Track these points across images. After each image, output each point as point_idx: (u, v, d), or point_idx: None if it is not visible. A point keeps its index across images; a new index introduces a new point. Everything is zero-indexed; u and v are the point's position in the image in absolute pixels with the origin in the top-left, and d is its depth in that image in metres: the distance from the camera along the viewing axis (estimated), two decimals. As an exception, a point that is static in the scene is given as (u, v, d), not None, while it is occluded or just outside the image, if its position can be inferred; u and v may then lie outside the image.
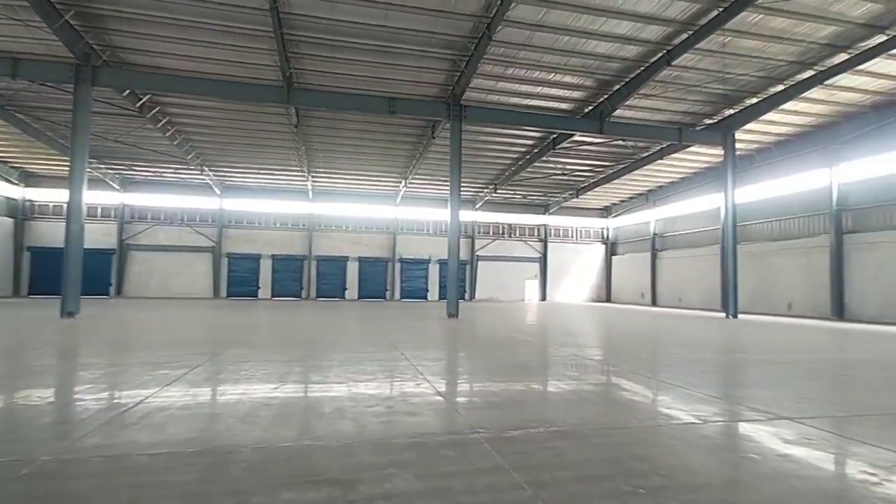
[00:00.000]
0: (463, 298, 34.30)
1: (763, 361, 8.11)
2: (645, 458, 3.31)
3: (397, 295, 34.54)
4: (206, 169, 28.19)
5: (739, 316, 20.41)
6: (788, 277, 23.14)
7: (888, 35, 14.22)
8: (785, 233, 23.69)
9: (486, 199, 34.21)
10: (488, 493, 2.73)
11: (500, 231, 37.28)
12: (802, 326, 16.43)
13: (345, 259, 34.00)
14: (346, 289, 33.71)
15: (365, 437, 3.62)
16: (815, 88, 17.08)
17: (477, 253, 36.37)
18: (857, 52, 15.14)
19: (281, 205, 33.50)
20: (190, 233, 32.30)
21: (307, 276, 33.32)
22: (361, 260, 34.18)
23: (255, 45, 15.26)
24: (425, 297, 35.00)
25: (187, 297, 31.34)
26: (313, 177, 29.88)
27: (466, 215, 34.95)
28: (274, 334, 11.36)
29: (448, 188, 19.20)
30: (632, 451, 3.43)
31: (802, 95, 17.69)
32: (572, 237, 39.00)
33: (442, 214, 34.02)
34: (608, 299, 38.40)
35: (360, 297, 33.66)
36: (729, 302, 20.32)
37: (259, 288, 32.69)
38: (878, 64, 15.72)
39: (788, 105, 18.74)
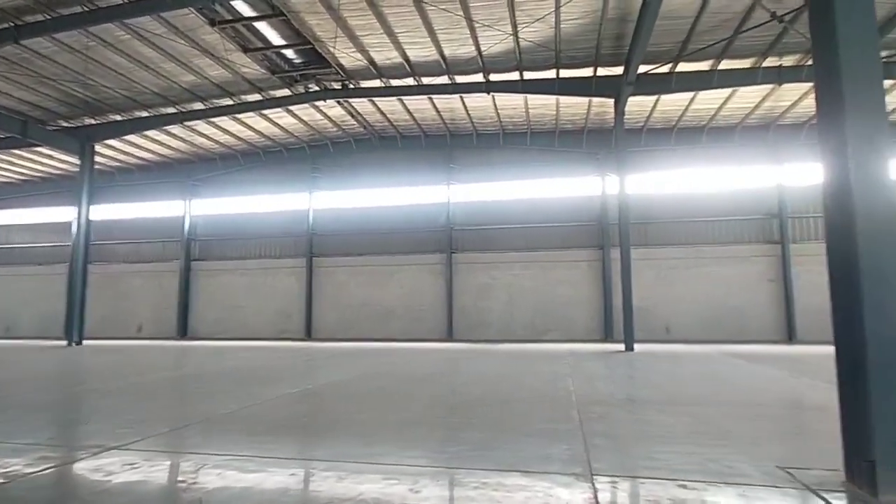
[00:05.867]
0: None
1: (100, 391, 7.63)
2: None
3: None
4: None
5: (85, 342, 18.82)
6: (141, 300, 23.60)
7: (235, 101, 17.47)
8: (142, 255, 24.14)
9: None
10: None
11: None
12: (151, 347, 17.00)
13: None
14: None
15: None
16: (177, 126, 18.69)
17: None
18: (212, 107, 17.72)
19: None
20: None
21: None
22: None
23: None
24: None
25: None
26: None
27: None
28: None
29: None
30: None
31: (165, 128, 18.91)
32: None
33: None
34: None
35: None
36: (74, 327, 18.40)
37: None
38: (225, 121, 19.02)
39: (153, 133, 19.56)
